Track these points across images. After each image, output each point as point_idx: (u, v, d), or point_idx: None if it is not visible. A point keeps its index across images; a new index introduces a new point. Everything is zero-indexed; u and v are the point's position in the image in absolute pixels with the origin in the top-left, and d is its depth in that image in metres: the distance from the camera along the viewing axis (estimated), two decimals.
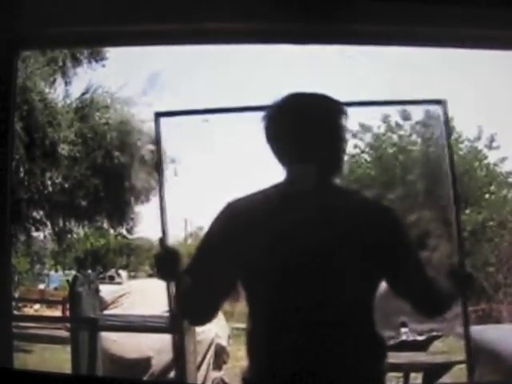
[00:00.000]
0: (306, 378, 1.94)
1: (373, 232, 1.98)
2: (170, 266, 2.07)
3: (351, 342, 1.97)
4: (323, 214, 1.98)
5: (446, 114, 3.25)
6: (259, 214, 2.00)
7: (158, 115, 3.57)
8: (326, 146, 2.04)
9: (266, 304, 2.02)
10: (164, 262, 2.09)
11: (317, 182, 2.03)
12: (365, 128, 14.64)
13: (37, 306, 13.63)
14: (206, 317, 2.20)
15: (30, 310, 13.08)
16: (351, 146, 14.82)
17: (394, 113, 14.46)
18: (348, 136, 2.11)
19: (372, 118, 14.47)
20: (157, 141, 3.65)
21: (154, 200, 11.55)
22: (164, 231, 3.71)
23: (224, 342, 6.61)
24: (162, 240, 2.25)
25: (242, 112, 3.77)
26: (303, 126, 2.01)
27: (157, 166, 3.80)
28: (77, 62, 10.50)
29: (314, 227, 1.96)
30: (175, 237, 17.88)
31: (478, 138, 13.96)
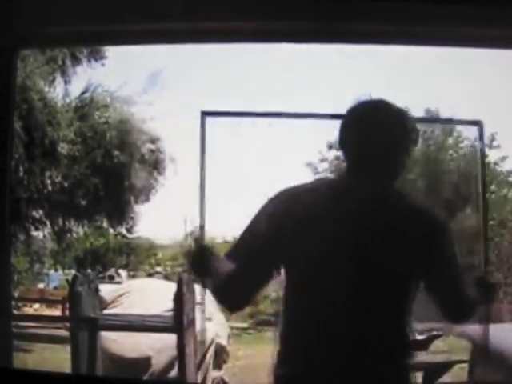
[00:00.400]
0: (339, 374, 1.98)
1: (420, 236, 2.05)
2: (205, 264, 2.14)
3: (383, 340, 2.01)
4: (376, 214, 2.05)
5: (481, 135, 3.25)
6: (314, 205, 2.05)
7: (204, 114, 3.59)
8: (390, 154, 2.11)
9: (306, 295, 2.05)
10: (199, 259, 2.16)
11: (375, 185, 2.10)
12: None
13: (36, 306, 13.63)
14: (244, 302, 2.22)
15: (29, 310, 13.08)
16: None
17: None
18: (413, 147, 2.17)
19: None
20: (201, 139, 3.65)
21: (154, 199, 11.58)
22: (202, 227, 3.71)
23: (224, 342, 6.61)
24: (198, 238, 2.29)
25: (288, 118, 3.76)
26: (373, 133, 2.10)
27: (201, 163, 3.82)
28: (76, 60, 10.49)
29: (365, 225, 2.02)
30: (174, 236, 17.94)
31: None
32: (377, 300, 2.01)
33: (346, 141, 2.14)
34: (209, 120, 3.67)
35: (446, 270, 2.11)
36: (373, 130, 2.10)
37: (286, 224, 2.05)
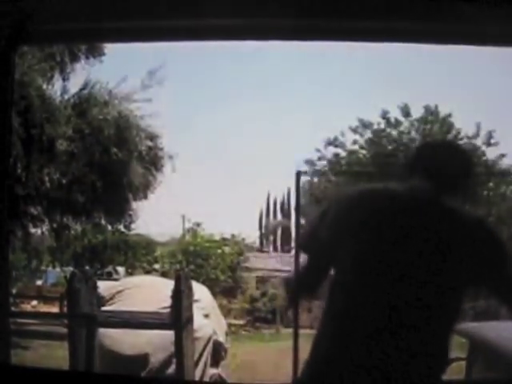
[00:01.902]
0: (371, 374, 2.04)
1: (474, 245, 2.13)
2: None
3: (424, 353, 2.07)
4: (431, 222, 2.13)
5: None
6: (380, 211, 2.17)
7: (300, 174, 3.65)
8: (455, 177, 2.29)
9: (352, 294, 2.12)
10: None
11: (434, 196, 2.19)
12: (364, 124, 14.65)
13: (34, 303, 13.64)
14: (311, 290, 2.37)
15: (27, 307, 13.09)
16: (350, 142, 14.89)
17: (393, 109, 14.50)
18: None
19: (371, 113, 14.51)
20: (296, 197, 3.70)
21: (152, 196, 11.58)
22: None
23: (221, 339, 6.61)
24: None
25: None
26: (445, 161, 2.30)
27: (296, 221, 3.96)
28: (74, 57, 10.47)
29: (420, 232, 2.11)
30: (172, 233, 17.97)
31: (477, 135, 13.99)
32: (426, 307, 2.07)
33: (427, 165, 2.28)
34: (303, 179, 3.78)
35: (503, 273, 2.15)
36: (447, 160, 2.30)
37: (346, 225, 2.17)
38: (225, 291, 14.80)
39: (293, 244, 20.39)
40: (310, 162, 15.18)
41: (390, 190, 2.25)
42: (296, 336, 4.69)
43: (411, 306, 2.05)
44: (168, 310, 5.69)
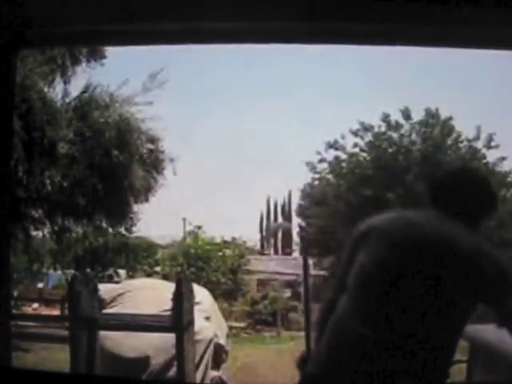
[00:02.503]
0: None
1: (478, 273, 2.19)
2: None
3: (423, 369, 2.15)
4: (440, 250, 2.23)
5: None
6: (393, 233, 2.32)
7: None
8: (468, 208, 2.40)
9: (357, 304, 2.24)
10: None
11: (444, 223, 2.30)
12: (365, 127, 14.65)
13: (35, 305, 13.64)
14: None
15: (28, 309, 13.09)
16: (351, 145, 14.91)
17: (393, 112, 14.51)
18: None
19: (372, 116, 14.52)
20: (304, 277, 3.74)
21: (153, 199, 11.59)
22: None
23: (222, 341, 6.61)
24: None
25: None
26: (461, 192, 2.41)
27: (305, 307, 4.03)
28: (75, 60, 10.47)
29: (428, 253, 2.22)
30: (173, 236, 17.96)
31: (477, 138, 14.00)
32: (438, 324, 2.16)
33: (448, 195, 2.40)
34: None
35: (502, 289, 2.20)
36: (463, 192, 2.41)
37: (361, 247, 2.32)
38: (226, 294, 14.81)
39: (294, 247, 20.43)
40: (310, 165, 15.21)
41: (406, 217, 2.37)
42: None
43: (416, 318, 2.14)
44: (169, 312, 5.69)
